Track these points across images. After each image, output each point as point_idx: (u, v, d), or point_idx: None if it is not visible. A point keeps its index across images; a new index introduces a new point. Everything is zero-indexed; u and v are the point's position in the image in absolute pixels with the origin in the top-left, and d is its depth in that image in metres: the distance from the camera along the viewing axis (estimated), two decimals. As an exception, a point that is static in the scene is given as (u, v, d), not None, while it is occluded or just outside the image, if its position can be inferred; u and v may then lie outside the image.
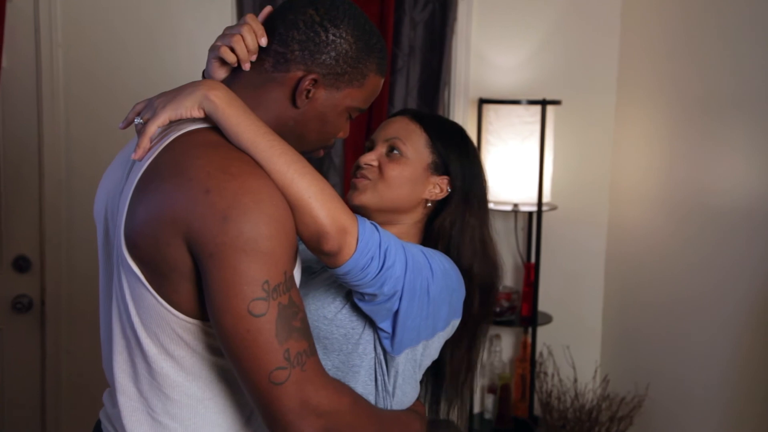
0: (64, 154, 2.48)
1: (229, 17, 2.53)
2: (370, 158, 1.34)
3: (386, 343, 1.22)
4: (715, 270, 2.25)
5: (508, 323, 2.74)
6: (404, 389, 1.28)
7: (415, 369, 1.29)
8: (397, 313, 1.19)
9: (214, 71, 1.20)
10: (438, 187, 1.35)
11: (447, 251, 1.33)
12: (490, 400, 2.80)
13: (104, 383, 1.24)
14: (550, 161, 2.66)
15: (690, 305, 2.37)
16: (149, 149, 1.10)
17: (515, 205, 2.64)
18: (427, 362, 1.32)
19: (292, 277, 1.05)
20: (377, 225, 1.16)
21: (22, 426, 2.54)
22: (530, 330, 2.73)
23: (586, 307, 2.90)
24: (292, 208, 1.06)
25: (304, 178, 1.07)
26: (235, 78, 1.19)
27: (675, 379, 2.45)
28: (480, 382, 2.86)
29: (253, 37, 1.14)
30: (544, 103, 2.58)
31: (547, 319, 2.77)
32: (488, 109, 2.66)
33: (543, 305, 2.79)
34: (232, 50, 1.15)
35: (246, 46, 1.14)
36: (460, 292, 1.29)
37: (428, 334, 1.25)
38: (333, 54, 1.14)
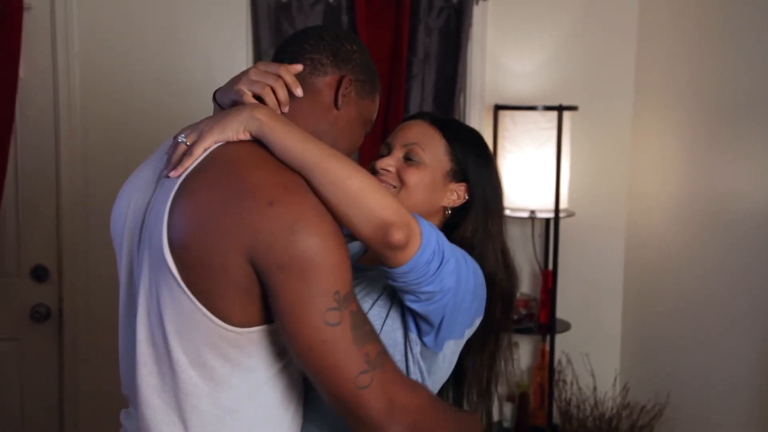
0: (81, 164, 2.49)
1: (243, 25, 2.54)
2: (387, 163, 1.31)
3: (428, 339, 1.20)
4: (735, 275, 2.22)
5: (526, 331, 2.72)
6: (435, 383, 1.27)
7: (446, 366, 1.27)
8: (445, 308, 1.17)
9: None
10: (456, 194, 1.33)
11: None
12: (508, 408, 2.77)
13: (122, 393, 1.23)
14: (567, 167, 2.64)
15: (710, 311, 2.34)
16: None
17: (532, 212, 2.62)
18: (452, 362, 1.29)
19: (353, 286, 1.09)
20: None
21: (40, 435, 2.56)
22: (548, 337, 2.70)
23: (605, 314, 2.87)
24: (352, 204, 1.05)
25: (359, 173, 1.06)
26: None
27: (696, 387, 2.41)
28: (498, 390, 2.83)
29: (285, 91, 1.16)
30: (560, 109, 2.56)
31: (566, 326, 2.74)
32: (504, 115, 2.64)
33: (561, 312, 2.77)
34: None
35: (277, 99, 1.16)
36: (483, 289, 1.27)
37: (467, 324, 1.24)
38: (358, 62, 1.24)
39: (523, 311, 2.71)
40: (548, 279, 2.70)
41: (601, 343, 2.86)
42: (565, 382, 2.77)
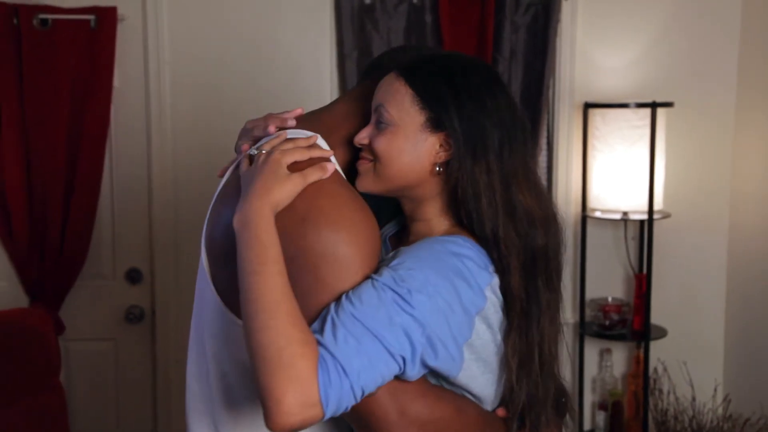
0: (171, 169, 2.55)
1: (327, 28, 2.54)
2: (362, 136, 1.12)
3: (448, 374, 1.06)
4: None
5: (619, 337, 2.61)
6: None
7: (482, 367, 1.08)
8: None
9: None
10: (445, 144, 1.09)
11: (470, 221, 1.08)
12: (601, 417, 2.67)
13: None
14: (661, 167, 2.52)
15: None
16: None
17: (624, 214, 2.51)
18: (486, 354, 1.07)
19: None
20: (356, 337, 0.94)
21: (136, 431, 2.64)
22: (643, 344, 2.59)
23: (705, 320, 2.72)
24: (251, 357, 0.93)
25: (273, 331, 0.92)
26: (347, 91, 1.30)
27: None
28: (591, 398, 2.73)
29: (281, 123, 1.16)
30: (654, 106, 2.44)
31: (662, 333, 2.62)
32: (594, 113, 2.54)
33: (657, 318, 2.64)
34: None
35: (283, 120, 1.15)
36: (458, 287, 1.02)
37: (470, 326, 1.04)
38: None
39: (615, 317, 2.60)
40: (642, 283, 2.58)
41: (701, 350, 2.71)
42: (661, 391, 2.64)
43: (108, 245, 2.57)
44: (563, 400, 1.19)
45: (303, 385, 0.90)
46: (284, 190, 1.00)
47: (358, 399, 0.95)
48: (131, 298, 2.59)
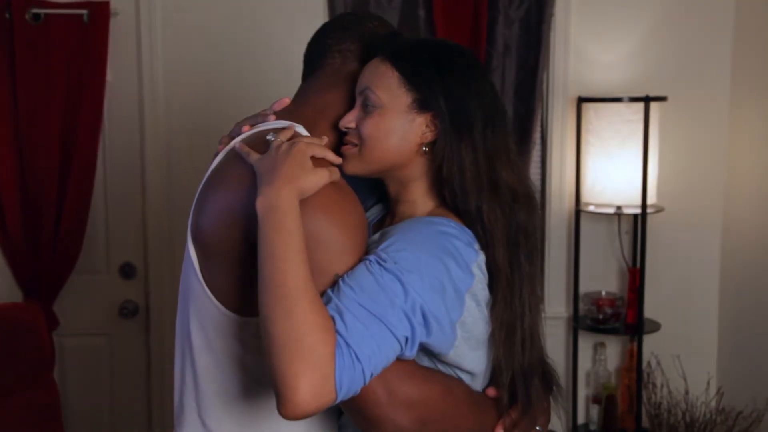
0: (165, 164, 2.55)
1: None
2: (348, 119, 1.15)
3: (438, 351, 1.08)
4: None
5: (612, 331, 2.62)
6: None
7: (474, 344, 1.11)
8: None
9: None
10: (432, 125, 1.12)
11: (453, 198, 1.12)
12: (595, 410, 2.68)
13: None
14: (655, 161, 2.53)
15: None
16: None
17: (618, 208, 2.51)
18: (477, 332, 1.10)
19: None
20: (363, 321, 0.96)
21: (130, 426, 2.63)
22: (636, 338, 2.60)
23: (698, 314, 2.74)
24: (268, 345, 0.94)
25: (293, 321, 0.92)
26: (306, 84, 1.24)
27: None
28: (584, 391, 2.74)
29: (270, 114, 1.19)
30: (647, 100, 2.44)
31: (655, 326, 2.63)
32: (588, 108, 2.55)
33: (650, 312, 2.65)
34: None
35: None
36: (448, 265, 1.05)
37: (460, 305, 1.07)
38: (382, 36, 1.25)
39: (609, 310, 2.61)
40: (636, 277, 2.59)
41: (694, 344, 2.72)
42: (654, 385, 2.66)
43: (102, 240, 2.57)
44: (548, 374, 1.22)
45: (321, 370, 0.92)
46: (310, 180, 1.01)
47: (367, 382, 0.97)
48: (125, 293, 2.59)
